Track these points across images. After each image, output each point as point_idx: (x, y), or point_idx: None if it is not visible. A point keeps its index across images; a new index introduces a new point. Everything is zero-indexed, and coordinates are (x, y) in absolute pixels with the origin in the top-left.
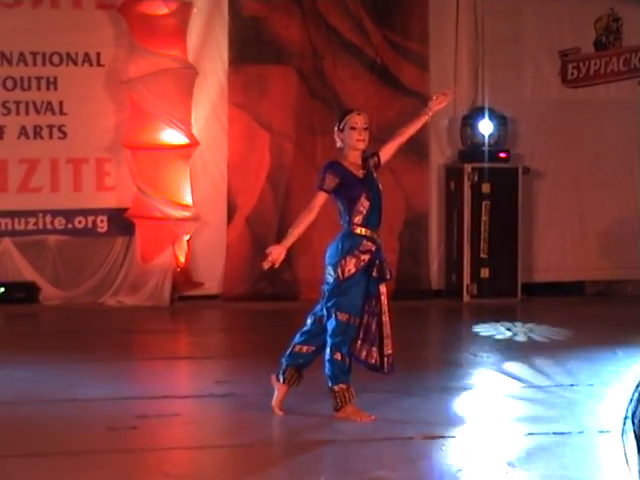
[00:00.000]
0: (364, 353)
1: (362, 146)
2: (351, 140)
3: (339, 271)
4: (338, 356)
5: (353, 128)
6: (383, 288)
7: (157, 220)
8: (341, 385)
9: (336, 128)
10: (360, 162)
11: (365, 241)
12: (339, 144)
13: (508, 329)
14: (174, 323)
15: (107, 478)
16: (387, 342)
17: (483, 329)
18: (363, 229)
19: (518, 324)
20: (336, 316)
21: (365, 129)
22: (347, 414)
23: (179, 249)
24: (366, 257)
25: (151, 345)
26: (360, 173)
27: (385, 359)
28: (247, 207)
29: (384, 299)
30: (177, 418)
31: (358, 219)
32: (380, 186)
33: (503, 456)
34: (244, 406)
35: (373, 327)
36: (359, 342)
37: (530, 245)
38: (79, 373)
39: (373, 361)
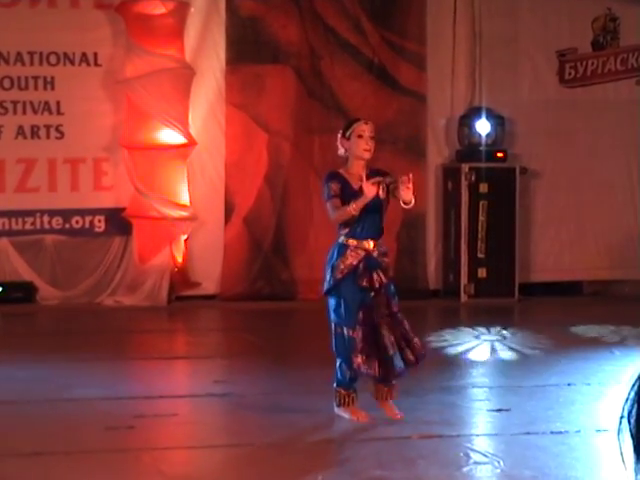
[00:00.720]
0: (365, 366)
1: (367, 156)
2: (357, 149)
3: (327, 281)
4: (342, 366)
5: (360, 136)
6: (380, 298)
7: (154, 220)
8: (342, 390)
9: (340, 135)
10: (363, 173)
11: (350, 251)
12: (341, 151)
13: (505, 328)
14: (172, 323)
15: (104, 477)
16: (388, 345)
17: (481, 329)
18: (350, 240)
19: (515, 324)
20: (335, 329)
21: (372, 138)
22: (346, 412)
23: (176, 249)
24: (347, 267)
25: (149, 345)
26: (357, 184)
27: (387, 368)
28: (244, 207)
29: (381, 309)
30: (175, 418)
31: (346, 230)
32: (382, 198)
33: (500, 455)
34: (242, 406)
35: (371, 338)
36: (359, 355)
37: (527, 245)
38: (76, 373)
39: (372, 372)
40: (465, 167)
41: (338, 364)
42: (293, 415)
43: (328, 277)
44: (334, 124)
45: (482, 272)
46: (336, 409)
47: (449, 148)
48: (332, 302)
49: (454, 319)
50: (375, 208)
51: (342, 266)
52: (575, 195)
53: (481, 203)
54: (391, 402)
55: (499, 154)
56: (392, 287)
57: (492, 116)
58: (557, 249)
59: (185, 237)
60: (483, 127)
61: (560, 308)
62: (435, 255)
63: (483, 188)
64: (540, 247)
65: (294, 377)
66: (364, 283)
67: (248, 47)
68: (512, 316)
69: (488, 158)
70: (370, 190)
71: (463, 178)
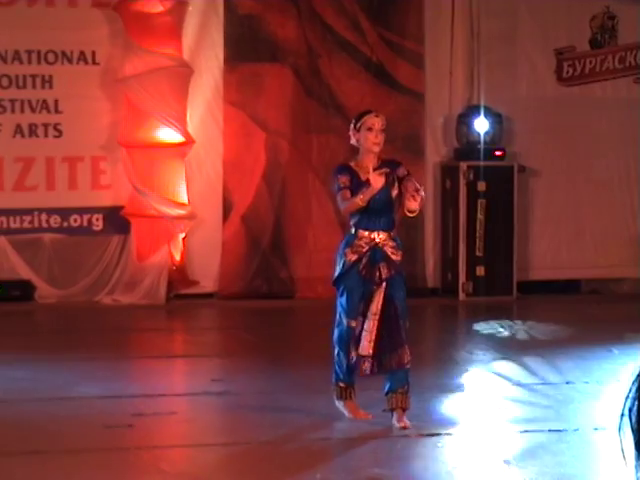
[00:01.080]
0: (353, 355)
1: (377, 149)
2: (366, 142)
3: (336, 270)
4: (336, 354)
5: (370, 129)
6: (379, 291)
7: (153, 218)
8: (340, 383)
9: (352, 125)
10: (372, 165)
11: (357, 241)
12: (353, 141)
13: (503, 327)
14: (170, 321)
15: (103, 476)
16: (364, 344)
17: (479, 327)
18: (360, 230)
19: (514, 322)
20: (338, 317)
21: (382, 131)
22: (344, 408)
23: (174, 247)
24: (354, 257)
25: (147, 343)
26: (366, 176)
27: (361, 360)
28: (243, 205)
29: (375, 302)
30: (173, 416)
31: (355, 220)
32: (392, 192)
33: (499, 454)
34: (240, 404)
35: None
36: (356, 347)
37: (526, 243)
38: (75, 371)
39: (353, 362)
40: (463, 165)
41: (336, 352)
42: (291, 414)
43: (337, 266)
44: (332, 123)
45: (480, 270)
46: (336, 402)
47: (447, 146)
48: (339, 291)
49: (453, 317)
50: (384, 199)
51: (349, 256)
52: (573, 193)
53: (479, 201)
54: (405, 412)
55: (497, 152)
56: (400, 283)
57: (490, 114)
58: (555, 247)
59: (183, 235)
60: (481, 125)
61: (558, 306)
62: (433, 253)
63: (481, 186)
64: (538, 245)
65: (292, 376)
66: (365, 274)
67: (246, 46)
68: (510, 314)
69: (486, 156)
70: (377, 181)
71: (461, 176)
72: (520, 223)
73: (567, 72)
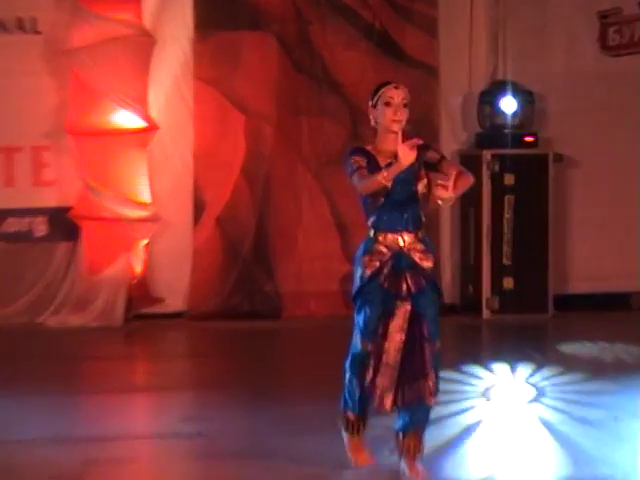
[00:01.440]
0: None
1: (396, 127)
2: (384, 119)
3: (354, 283)
4: (347, 380)
5: (388, 104)
6: (403, 307)
7: (108, 222)
8: (349, 414)
9: (370, 103)
10: (394, 147)
11: (378, 246)
12: (372, 123)
13: (537, 352)
14: (129, 347)
15: None
16: (383, 370)
17: (507, 352)
18: (378, 232)
19: (549, 345)
20: (354, 335)
21: (404, 106)
22: (348, 445)
23: (135, 257)
24: (374, 265)
25: (101, 374)
26: (387, 161)
27: (376, 390)
28: (218, 205)
29: (397, 320)
30: (134, 463)
31: (373, 220)
32: (418, 182)
33: None
34: (215, 448)
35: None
36: (370, 370)
37: (563, 249)
38: (14, 408)
39: (367, 392)
40: (487, 154)
41: (347, 378)
42: (277, 460)
43: (354, 278)
44: (326, 103)
45: (508, 282)
46: (343, 434)
47: (467, 131)
48: (355, 304)
49: (475, 339)
50: (408, 190)
51: (368, 265)
52: (621, 187)
53: (507, 198)
54: (417, 458)
55: (528, 138)
56: (431, 297)
57: (519, 92)
58: (598, 254)
59: (145, 242)
60: (508, 105)
61: (602, 325)
62: (451, 262)
63: (509, 180)
64: (578, 252)
65: (279, 414)
66: (388, 287)
67: (221, 10)
68: (545, 335)
69: (515, 143)
70: (407, 155)
71: (485, 168)
72: (556, 224)
73: (613, 39)
